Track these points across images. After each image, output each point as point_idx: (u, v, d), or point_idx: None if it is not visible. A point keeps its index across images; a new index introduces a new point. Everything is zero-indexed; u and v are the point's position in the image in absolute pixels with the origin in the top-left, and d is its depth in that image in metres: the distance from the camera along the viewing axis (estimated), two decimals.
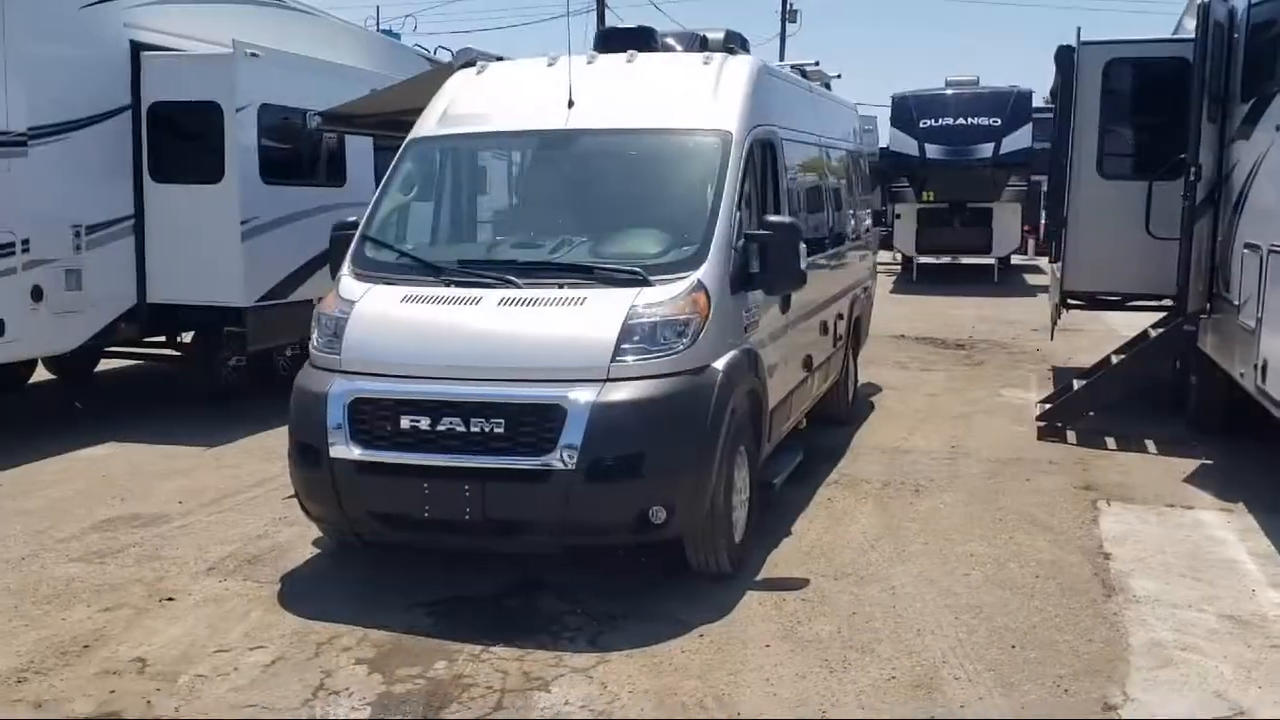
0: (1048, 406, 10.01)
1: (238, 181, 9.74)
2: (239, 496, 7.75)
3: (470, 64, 7.52)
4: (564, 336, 5.62)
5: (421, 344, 5.75)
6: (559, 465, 5.35)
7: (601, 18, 32.54)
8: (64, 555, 6.54)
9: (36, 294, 8.92)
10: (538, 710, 4.65)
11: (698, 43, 7.65)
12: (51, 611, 5.68)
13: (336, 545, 6.56)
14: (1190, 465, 8.74)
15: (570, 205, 6.70)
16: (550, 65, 7.14)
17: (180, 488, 7.98)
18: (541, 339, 5.63)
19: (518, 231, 6.62)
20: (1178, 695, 4.74)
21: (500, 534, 5.64)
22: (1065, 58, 10.77)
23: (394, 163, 6.89)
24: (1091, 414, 9.89)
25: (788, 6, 56.75)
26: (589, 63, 7.04)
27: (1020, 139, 23.14)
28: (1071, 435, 9.73)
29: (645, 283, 5.81)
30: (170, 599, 5.87)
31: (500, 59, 7.69)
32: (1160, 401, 10.57)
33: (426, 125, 6.99)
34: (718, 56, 7.00)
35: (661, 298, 5.71)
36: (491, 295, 5.86)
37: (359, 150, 11.62)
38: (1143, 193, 10.30)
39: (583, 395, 5.40)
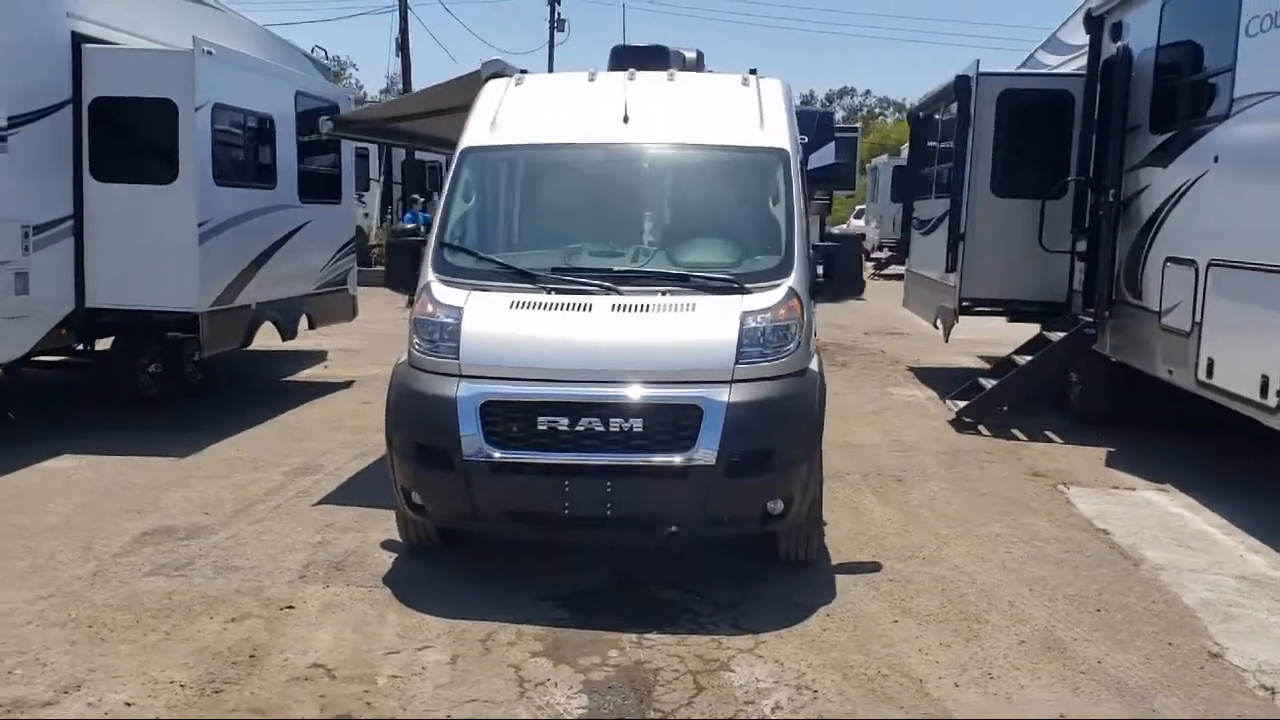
0: (965, 404, 11.01)
1: (194, 182, 9.42)
2: (261, 507, 7.60)
3: (500, 74, 7.68)
4: (691, 340, 5.97)
5: (549, 349, 5.95)
6: (699, 461, 5.70)
7: (404, 17, 32.26)
8: (135, 570, 6.31)
9: None
10: (737, 687, 5.00)
11: (680, 60, 8.14)
12: (179, 625, 5.54)
13: (410, 548, 6.65)
14: (1100, 452, 9.87)
15: (642, 216, 7.00)
16: (591, 80, 7.43)
17: (188, 499, 7.74)
18: (670, 343, 5.95)
19: (594, 240, 6.83)
20: (1257, 642, 5.59)
21: (639, 528, 5.93)
22: (964, 87, 11.86)
23: (453, 171, 6.98)
24: (1005, 409, 10.96)
25: (556, 16, 57.71)
26: (630, 79, 7.36)
27: (824, 156, 24.64)
28: (984, 429, 10.75)
29: (743, 290, 6.22)
30: (290, 607, 5.82)
31: (524, 72, 7.87)
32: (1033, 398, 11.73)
33: (478, 135, 7.10)
34: (751, 77, 7.48)
35: (765, 304, 6.14)
36: (601, 302, 6.12)
37: (287, 152, 11.36)
38: (1031, 209, 11.56)
39: (718, 395, 5.78)
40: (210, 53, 9.54)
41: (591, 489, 5.75)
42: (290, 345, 12.86)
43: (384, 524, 7.16)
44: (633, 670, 5.15)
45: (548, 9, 56.02)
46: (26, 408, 10.53)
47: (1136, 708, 4.85)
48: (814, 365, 6.27)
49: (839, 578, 6.41)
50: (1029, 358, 11.11)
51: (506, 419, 5.81)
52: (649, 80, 7.38)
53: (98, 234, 9.47)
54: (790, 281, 6.32)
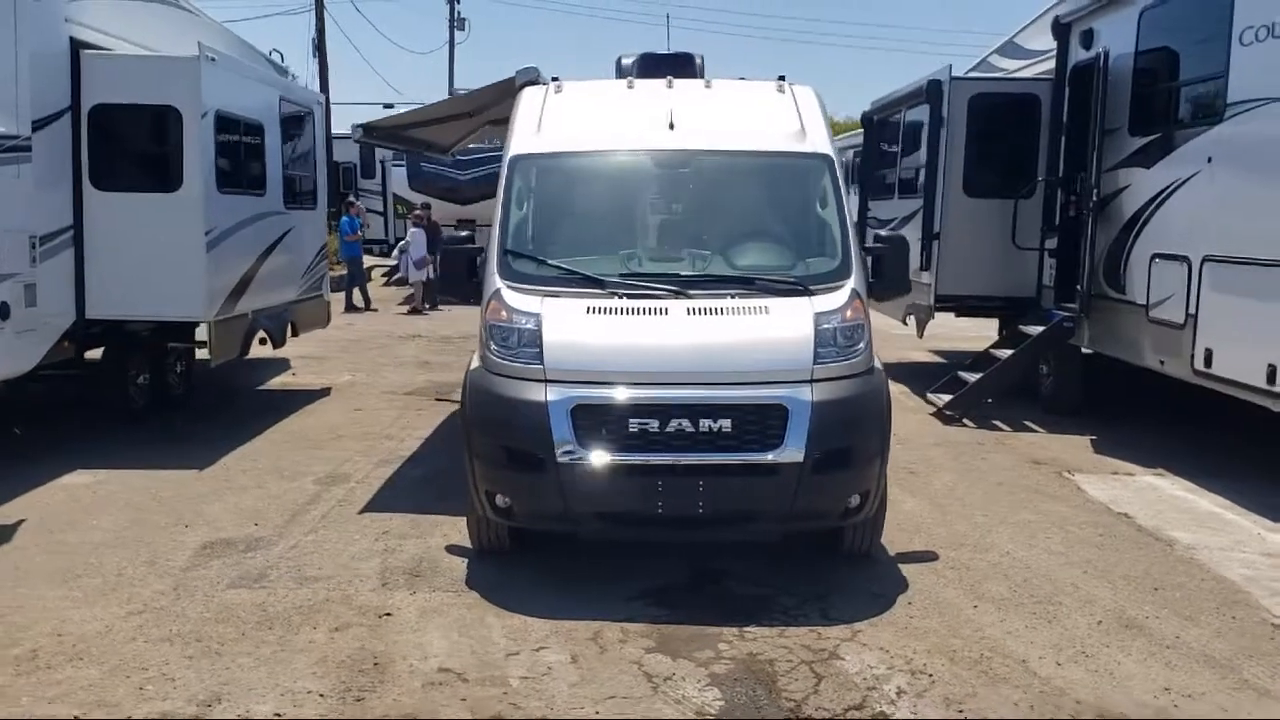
0: (949, 397, 11.40)
1: (200, 190, 9.27)
2: (307, 516, 7.57)
3: (534, 81, 7.76)
4: (771, 341, 6.16)
5: (634, 353, 6.08)
6: (787, 459, 5.90)
7: (320, 17, 31.79)
8: (213, 583, 6.26)
9: (4, 311, 8.15)
10: (854, 674, 5.20)
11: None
12: (286, 636, 5.53)
13: (478, 552, 6.72)
14: (1084, 441, 10.36)
15: (697, 222, 7.16)
16: (630, 87, 7.57)
17: (231, 510, 7.68)
18: (750, 344, 6.13)
19: (652, 246, 6.98)
20: None
21: (730, 525, 6.10)
22: (936, 91, 12.27)
23: (505, 178, 7.03)
24: (989, 401, 11.39)
25: (456, 15, 57.43)
26: (669, 86, 7.51)
27: None
28: (968, 421, 11.17)
29: (809, 292, 6.44)
30: (388, 614, 5.85)
31: (556, 79, 7.96)
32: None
33: (526, 142, 7.17)
34: (785, 85, 7.69)
35: (833, 305, 6.36)
36: (675, 306, 6.28)
37: (274, 158, 11.23)
38: (1001, 208, 12.04)
39: (801, 395, 5.98)
40: (214, 59, 9.41)
41: (684, 488, 5.91)
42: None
43: (440, 529, 7.22)
44: (749, 663, 5.32)
45: (448, 7, 55.75)
46: (20, 424, 10.22)
47: (1230, 677, 5.19)
48: (877, 364, 6.51)
49: (903, 567, 6.67)
50: (1009, 352, 11.55)
51: (598, 422, 5.93)
52: (688, 88, 7.54)
53: (98, 244, 9.26)
54: (852, 283, 6.55)
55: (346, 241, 21.31)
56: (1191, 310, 8.88)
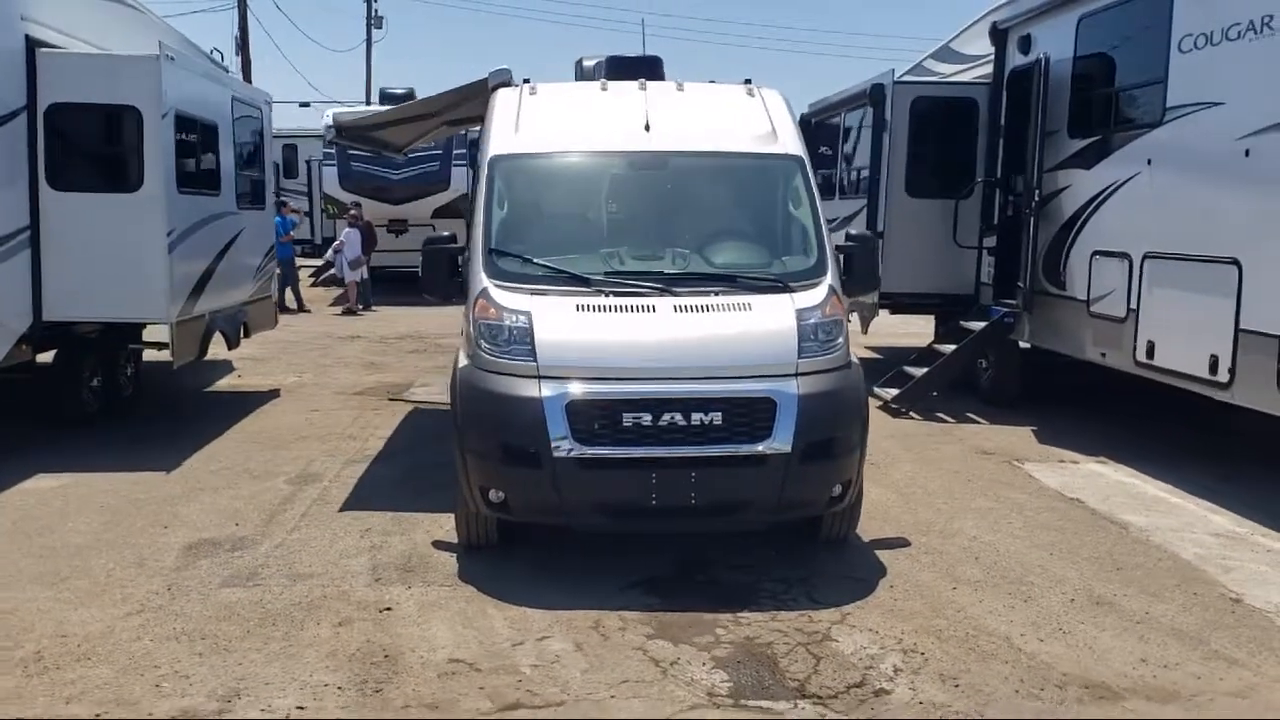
0: (897, 391, 11.74)
1: (161, 190, 9.20)
2: (286, 515, 7.60)
3: (507, 83, 7.88)
4: (757, 336, 6.36)
5: (625, 349, 6.24)
6: (776, 450, 6.11)
7: (244, 14, 31.34)
8: (206, 583, 6.28)
9: None
10: (850, 655, 5.42)
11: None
12: (291, 632, 5.59)
13: (466, 547, 6.82)
14: (1025, 431, 10.78)
15: (675, 221, 7.33)
16: (604, 90, 7.73)
17: (208, 511, 7.66)
18: (738, 339, 6.33)
19: (632, 245, 7.10)
20: (1263, 588, 6.39)
21: (720, 515, 6.29)
22: (879, 94, 12.62)
23: (485, 178, 7.13)
24: (935, 394, 11.76)
25: (373, 13, 56.98)
26: (641, 89, 7.68)
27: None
28: (914, 414, 11.52)
29: (789, 289, 6.67)
30: (388, 609, 5.93)
31: (527, 81, 8.07)
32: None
33: (505, 142, 7.27)
34: (754, 88, 7.91)
35: (813, 301, 6.59)
36: (662, 303, 6.46)
37: (228, 157, 11.15)
38: (941, 208, 12.43)
39: (788, 388, 6.21)
40: (173, 59, 9.34)
41: (677, 480, 6.08)
42: (152, 355, 12.41)
43: (422, 526, 7.31)
44: (748, 646, 5.52)
45: (365, 6, 55.29)
46: None
47: (1200, 649, 5.53)
48: (854, 358, 6.76)
49: (878, 553, 6.93)
50: (952, 347, 11.93)
51: (592, 417, 6.08)
52: (660, 90, 7.72)
53: (55, 245, 9.13)
54: (828, 280, 6.79)
55: (280, 242, 21.04)
56: (1133, 305, 9.31)
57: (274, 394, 12.44)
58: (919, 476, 8.88)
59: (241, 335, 11.75)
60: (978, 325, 11.85)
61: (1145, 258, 9.14)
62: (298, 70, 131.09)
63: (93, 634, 5.52)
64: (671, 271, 6.81)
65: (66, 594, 6.09)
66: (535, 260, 6.78)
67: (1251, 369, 7.74)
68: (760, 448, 6.12)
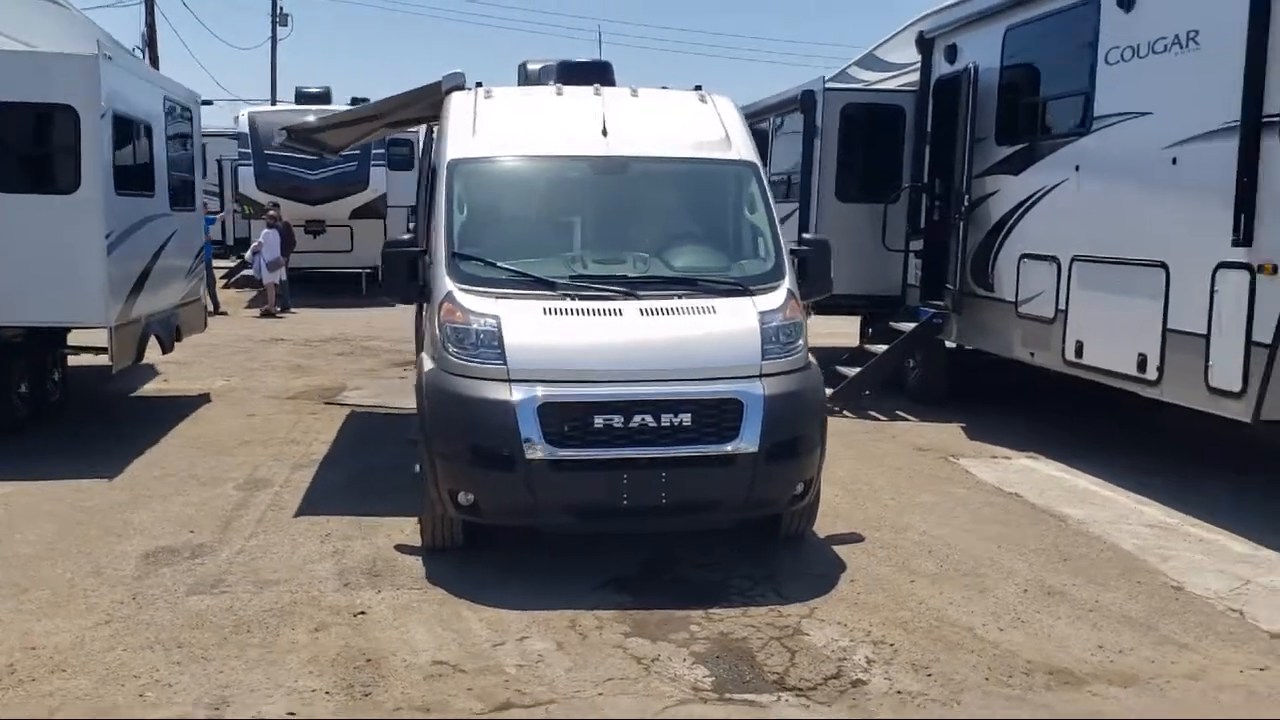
0: (831, 391, 11.98)
1: (100, 192, 9.01)
2: (241, 521, 7.52)
3: (460, 87, 7.90)
4: (723, 339, 6.51)
5: (595, 352, 6.33)
6: (744, 450, 6.26)
7: (151, 10, 30.60)
8: (171, 591, 6.20)
9: None
10: (823, 648, 5.58)
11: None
12: (268, 639, 5.56)
13: (430, 550, 6.84)
14: (955, 428, 11.11)
15: (633, 224, 7.43)
16: (559, 94, 7.80)
17: (160, 519, 7.55)
18: (704, 342, 6.47)
19: (592, 249, 7.17)
20: (1200, 576, 6.71)
21: (689, 514, 6.42)
22: (810, 101, 12.87)
23: (445, 182, 7.14)
24: (868, 393, 12.05)
25: (279, 10, 55.98)
26: (596, 94, 7.77)
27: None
28: (847, 413, 11.80)
29: (749, 292, 6.82)
30: (362, 613, 5.94)
31: (480, 84, 8.10)
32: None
33: (463, 146, 7.29)
34: (707, 94, 8.05)
35: (774, 305, 6.76)
36: (628, 306, 6.56)
37: (161, 158, 10.94)
38: (870, 213, 12.75)
39: (754, 389, 6.36)
40: (110, 57, 9.15)
41: (648, 480, 6.20)
42: (88, 359, 12.13)
43: (382, 530, 7.30)
44: (724, 641, 5.65)
45: (269, 2, 54.25)
46: None
47: (1150, 634, 5.81)
48: (812, 360, 6.94)
49: (835, 549, 7.12)
50: (883, 347, 12.24)
51: (564, 419, 6.16)
52: (615, 96, 7.81)
53: None
54: (786, 283, 6.97)
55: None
56: (1062, 306, 9.68)
57: (204, 398, 12.24)
58: (863, 474, 9.11)
59: (174, 339, 11.53)
60: (907, 326, 12.16)
61: (1074, 260, 9.50)
62: (204, 68, 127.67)
63: (63, 645, 5.43)
64: (634, 275, 6.91)
65: (28, 605, 5.97)
66: (500, 264, 6.82)
67: (1180, 367, 8.11)
68: (729, 448, 6.26)
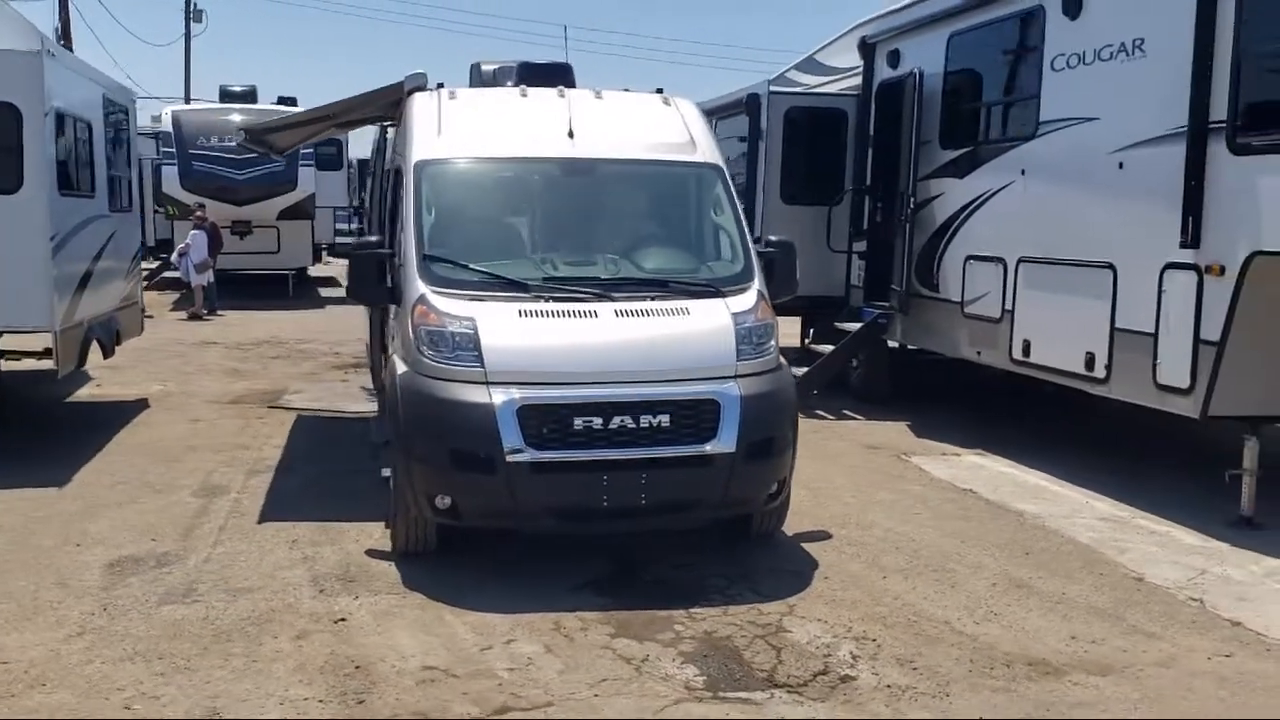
0: None
1: (43, 192, 8.76)
2: (203, 529, 7.38)
3: (422, 88, 7.85)
4: (698, 340, 6.56)
5: (572, 354, 6.34)
6: (722, 450, 6.32)
7: (65, 5, 29.77)
8: (142, 601, 6.06)
9: None
10: (807, 644, 5.66)
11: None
12: (250, 648, 5.47)
13: (401, 555, 6.78)
14: (901, 426, 11.31)
15: (605, 227, 7.45)
16: (524, 96, 7.78)
17: (119, 527, 7.38)
18: (680, 343, 6.52)
19: (564, 251, 7.15)
20: (1157, 567, 6.93)
21: (668, 514, 6.46)
22: (755, 104, 13.00)
23: (412, 183, 7.08)
24: (816, 393, 12.20)
25: (192, 6, 54.85)
26: (561, 96, 7.77)
27: None
28: None
29: (720, 294, 6.89)
30: (343, 619, 5.87)
31: (441, 85, 8.05)
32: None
33: (428, 147, 7.22)
34: (669, 98, 8.10)
35: (745, 306, 6.84)
36: (603, 308, 6.58)
37: (100, 158, 10.67)
38: (815, 214, 12.92)
39: (730, 390, 6.42)
40: (53, 54, 8.91)
41: (627, 481, 6.23)
42: (30, 364, 11.77)
43: (349, 536, 7.23)
44: (710, 640, 5.70)
45: None
46: None
47: (1119, 624, 5.99)
48: (782, 360, 7.02)
49: (805, 546, 7.22)
50: (829, 347, 12.41)
51: (544, 422, 6.16)
52: (580, 98, 7.81)
53: None
54: (756, 284, 7.05)
55: None
56: (1008, 306, 9.91)
57: (143, 404, 11.96)
58: (821, 472, 9.22)
59: (115, 343, 11.24)
60: (853, 326, 12.35)
61: (1020, 262, 9.73)
62: (118, 64, 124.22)
63: (37, 659, 5.29)
64: (606, 277, 6.93)
65: None
66: (472, 266, 6.79)
67: (1127, 365, 8.36)
68: (707, 448, 6.32)
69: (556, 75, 8.35)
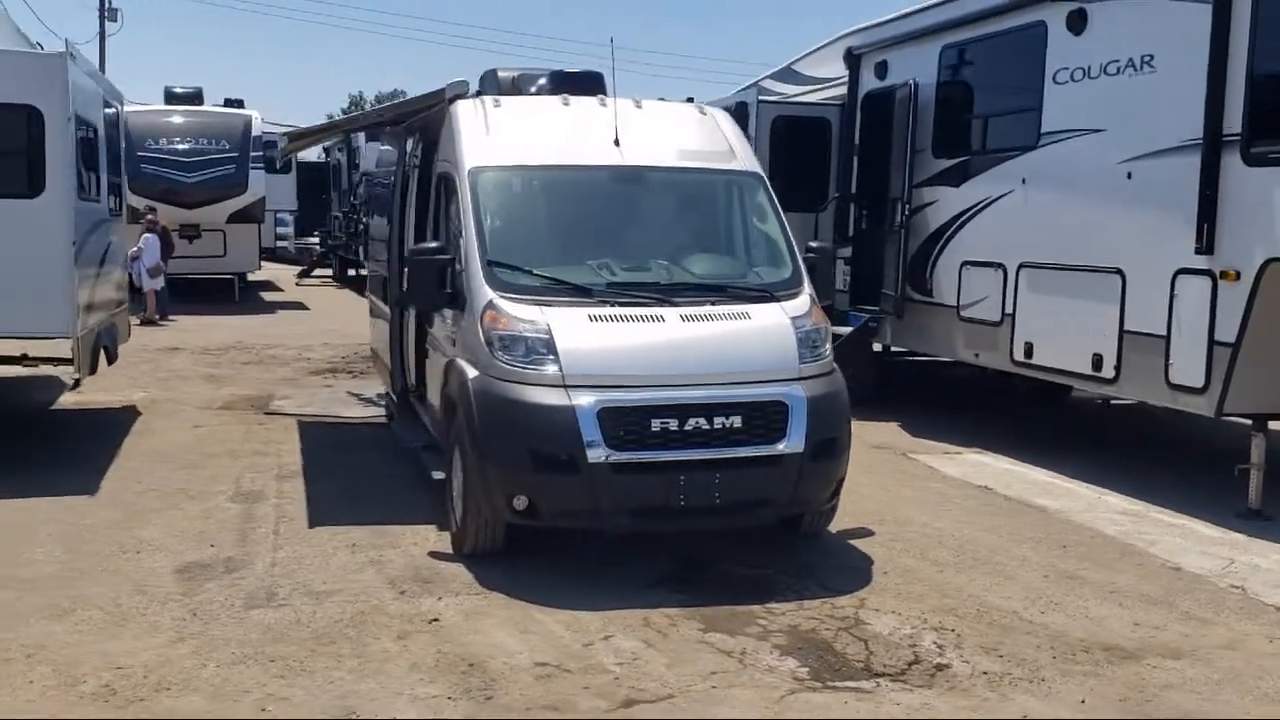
0: None
1: (66, 197, 8.63)
2: (257, 533, 7.39)
3: (463, 95, 7.94)
4: (764, 343, 6.77)
5: (646, 356, 6.51)
6: (791, 450, 6.54)
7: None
8: (227, 606, 6.06)
9: None
10: (889, 635, 5.89)
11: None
12: (356, 649, 5.51)
13: (466, 556, 6.86)
14: (893, 426, 11.65)
15: (657, 233, 7.61)
16: (566, 104, 7.91)
17: (170, 534, 7.32)
18: (748, 346, 6.73)
19: (619, 257, 7.25)
20: (1189, 557, 7.30)
21: (741, 513, 6.65)
22: (743, 111, 13.25)
23: (468, 190, 7.16)
24: None
25: (107, 5, 53.59)
26: (602, 104, 7.92)
27: None
28: None
29: (774, 298, 7.11)
30: (436, 619, 5.95)
31: (480, 93, 8.15)
32: None
33: (480, 154, 7.32)
34: (704, 106, 8.31)
35: (801, 310, 7.07)
36: (669, 313, 6.75)
37: (104, 161, 10.51)
38: (802, 221, 13.09)
39: (797, 391, 6.64)
40: (74, 57, 8.79)
41: (703, 481, 6.41)
42: (26, 370, 11.46)
43: (406, 539, 7.29)
44: (796, 633, 5.90)
45: None
46: None
47: (1174, 611, 6.33)
48: (835, 364, 7.26)
49: (853, 543, 7.46)
50: None
51: (623, 423, 6.31)
52: (622, 107, 7.96)
53: None
54: (807, 289, 7.28)
55: None
56: (1009, 310, 10.28)
57: (133, 411, 11.78)
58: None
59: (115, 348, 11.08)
60: (842, 330, 12.63)
61: (1021, 267, 10.11)
62: None
63: (151, 664, 5.28)
64: (666, 282, 7.10)
65: (84, 626, 5.76)
66: (537, 272, 6.92)
67: (1138, 366, 8.76)
68: (779, 448, 6.53)
69: (589, 83, 8.49)
